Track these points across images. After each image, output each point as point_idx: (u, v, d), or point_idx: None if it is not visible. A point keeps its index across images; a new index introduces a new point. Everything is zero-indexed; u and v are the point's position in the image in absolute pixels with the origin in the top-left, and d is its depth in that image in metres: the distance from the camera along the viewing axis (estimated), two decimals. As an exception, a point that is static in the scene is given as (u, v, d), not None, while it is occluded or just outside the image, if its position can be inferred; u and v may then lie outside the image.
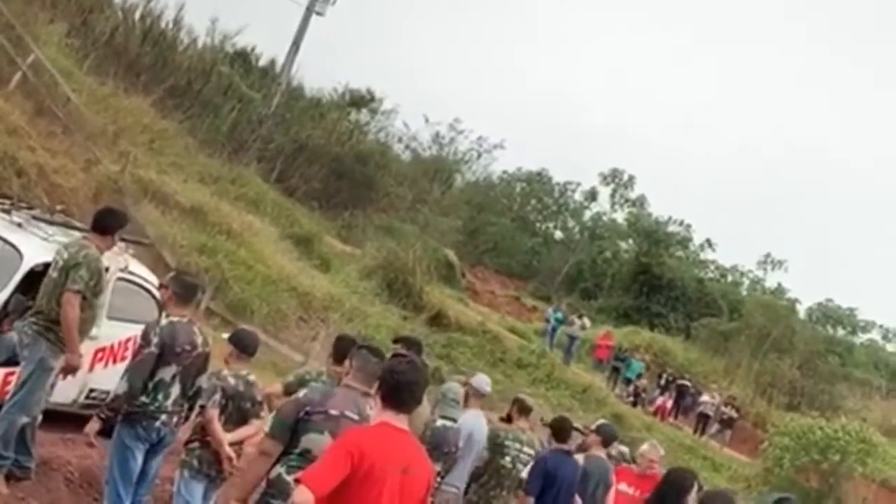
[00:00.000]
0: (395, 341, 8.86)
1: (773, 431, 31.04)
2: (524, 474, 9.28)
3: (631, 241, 55.04)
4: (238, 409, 7.20)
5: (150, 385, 6.99)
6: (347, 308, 25.10)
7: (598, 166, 56.89)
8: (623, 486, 9.72)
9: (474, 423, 9.28)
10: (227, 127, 32.18)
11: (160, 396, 7.04)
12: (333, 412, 5.35)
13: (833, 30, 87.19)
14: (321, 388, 5.95)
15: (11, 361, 8.93)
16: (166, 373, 7.03)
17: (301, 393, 5.73)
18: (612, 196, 56.29)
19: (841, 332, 53.89)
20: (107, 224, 8.00)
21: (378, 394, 4.64)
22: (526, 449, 9.60)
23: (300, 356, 21.08)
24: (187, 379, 7.17)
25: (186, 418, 7.39)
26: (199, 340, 7.28)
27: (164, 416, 7.08)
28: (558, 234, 57.79)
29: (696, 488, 6.57)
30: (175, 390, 7.10)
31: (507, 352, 29.62)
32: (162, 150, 26.30)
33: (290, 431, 5.38)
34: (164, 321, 7.22)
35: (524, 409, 9.82)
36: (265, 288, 23.10)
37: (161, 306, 7.57)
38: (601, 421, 11.20)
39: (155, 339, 6.99)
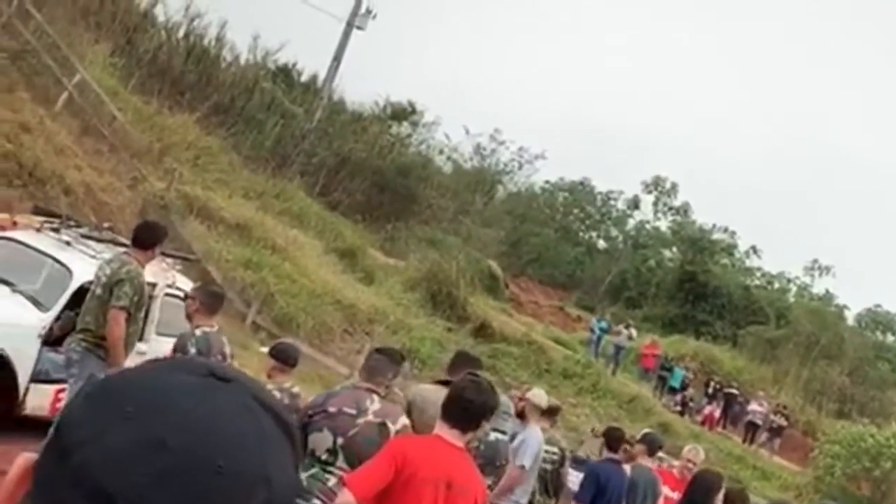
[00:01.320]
0: (458, 357, 8.67)
1: (824, 439, 30.69)
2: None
3: (675, 249, 54.70)
4: None
5: None
6: (392, 320, 25.19)
7: (641, 174, 56.73)
8: (665, 490, 9.71)
9: (538, 440, 9.20)
10: (271, 142, 32.42)
11: None
12: (332, 409, 5.43)
13: (879, 29, 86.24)
14: (327, 391, 6.07)
15: (52, 379, 9.11)
16: None
17: (309, 399, 5.86)
18: (655, 204, 56.05)
19: (891, 337, 53.15)
20: (147, 239, 8.09)
21: (441, 407, 4.68)
22: (549, 447, 9.65)
23: (346, 369, 21.19)
24: None
25: None
26: (228, 351, 7.36)
27: None
28: (601, 244, 57.56)
29: (723, 489, 6.61)
30: None
31: (552, 362, 29.54)
32: (206, 167, 26.56)
33: (302, 436, 5.46)
34: (198, 332, 7.25)
35: (552, 410, 9.83)
36: (310, 301, 23.24)
37: (188, 317, 7.56)
38: (646, 430, 11.18)
39: (192, 350, 7.05)
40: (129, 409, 0.97)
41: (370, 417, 5.36)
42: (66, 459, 0.95)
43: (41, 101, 21.24)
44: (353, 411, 5.40)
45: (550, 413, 9.84)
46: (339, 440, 5.31)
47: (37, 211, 12.82)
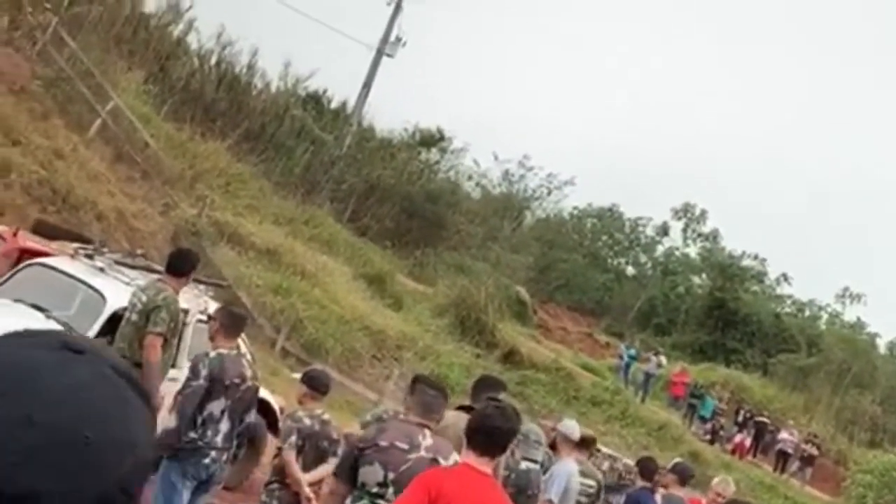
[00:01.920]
0: (479, 381, 8.77)
1: (856, 469, 30.38)
2: None
3: (704, 275, 54.45)
4: (315, 449, 7.15)
5: (200, 419, 6.93)
6: (420, 346, 25.20)
7: (670, 201, 56.60)
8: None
9: (567, 473, 8.98)
10: (301, 168, 32.62)
11: (209, 432, 6.97)
12: (383, 443, 5.41)
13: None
14: (378, 424, 6.04)
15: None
16: (215, 407, 6.97)
17: (360, 432, 5.82)
18: (685, 231, 55.89)
19: (923, 366, 52.58)
20: (181, 266, 8.14)
21: (465, 435, 4.68)
22: (586, 481, 9.50)
23: (374, 395, 21.21)
24: (236, 414, 7.11)
25: (235, 456, 7.35)
26: (248, 373, 7.25)
27: (213, 453, 7.02)
28: (630, 270, 57.40)
29: None
30: (224, 426, 7.04)
31: (580, 389, 29.43)
32: (237, 193, 26.76)
33: (352, 469, 5.43)
34: (212, 353, 7.14)
35: (586, 441, 9.70)
36: (339, 327, 23.31)
37: (211, 338, 7.54)
38: (677, 459, 11.10)
39: (204, 372, 6.94)
40: None
41: (422, 453, 5.34)
42: None
43: (75, 127, 21.50)
44: (406, 446, 5.38)
45: (586, 444, 9.65)
46: (391, 475, 5.28)
47: (39, 224, 12.97)
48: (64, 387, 1.01)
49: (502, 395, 6.60)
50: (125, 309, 8.60)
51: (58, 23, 22.54)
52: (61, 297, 9.89)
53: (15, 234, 11.42)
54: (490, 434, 4.59)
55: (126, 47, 27.35)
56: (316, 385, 7.33)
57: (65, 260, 10.42)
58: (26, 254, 11.18)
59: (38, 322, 9.32)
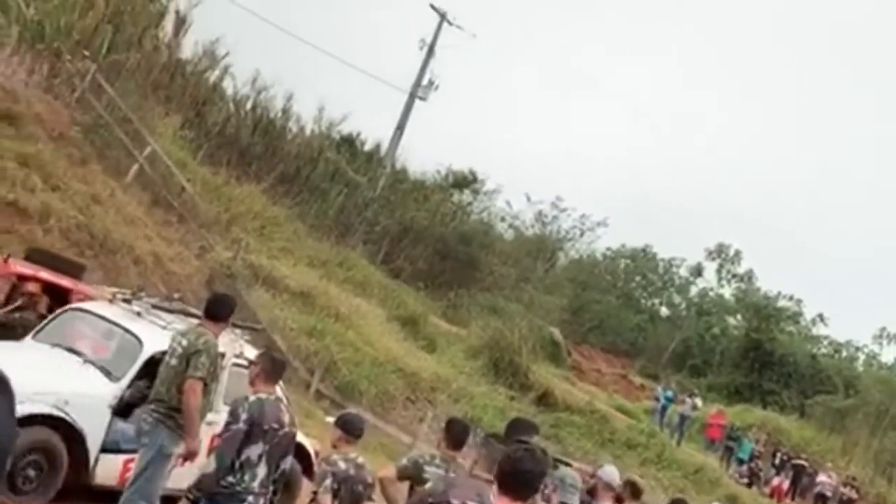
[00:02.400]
0: (512, 424, 8.76)
1: (896, 512, 29.90)
2: None
3: (740, 316, 54.10)
4: (350, 493, 7.09)
5: (238, 464, 6.95)
6: (454, 388, 25.16)
7: (703, 242, 56.40)
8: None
9: None
10: (335, 211, 32.82)
11: (247, 476, 6.99)
12: (455, 501, 5.39)
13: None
14: (446, 478, 5.98)
15: (121, 449, 9.23)
16: (253, 451, 6.99)
17: (428, 485, 5.75)
18: (719, 271, 55.64)
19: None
20: (220, 311, 8.24)
21: (495, 480, 4.69)
22: None
23: (408, 437, 21.19)
24: (273, 459, 7.13)
25: (271, 502, 7.35)
26: (287, 419, 7.27)
27: (250, 498, 7.03)
28: (664, 311, 57.13)
29: None
30: (262, 471, 7.05)
31: (615, 432, 29.21)
32: (272, 236, 26.96)
33: None
34: (252, 398, 7.16)
35: (636, 492, 9.56)
36: (373, 369, 23.34)
37: (251, 383, 7.58)
38: (715, 503, 10.98)
39: (244, 416, 6.97)
40: None
41: None
42: None
43: (113, 173, 21.82)
44: None
45: (634, 495, 9.39)
46: None
47: (32, 252, 13.02)
48: None
49: (534, 438, 6.59)
50: (162, 353, 8.70)
51: (96, 70, 22.93)
52: (99, 342, 10.03)
53: (6, 261, 11.64)
54: (521, 477, 4.61)
55: (163, 93, 27.77)
56: (350, 429, 7.33)
57: (102, 304, 10.57)
58: (22, 279, 11.51)
59: (74, 366, 9.45)
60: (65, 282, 11.75)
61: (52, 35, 22.38)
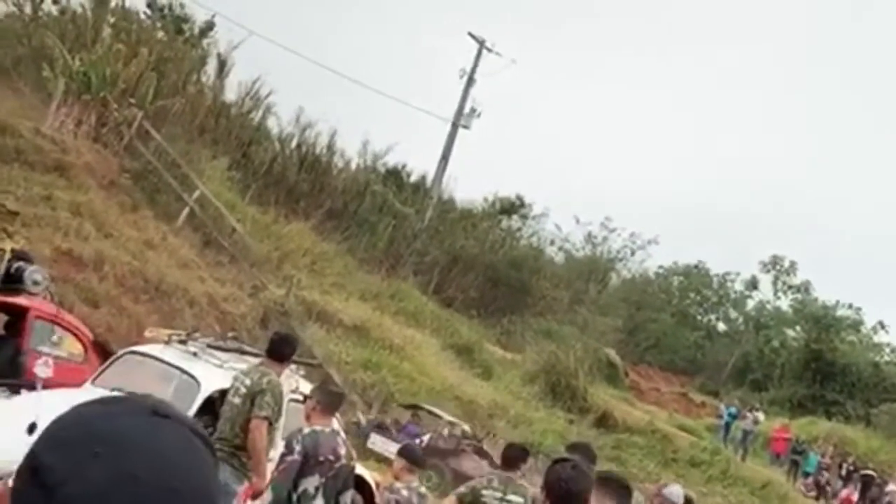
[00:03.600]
0: (570, 448, 8.64)
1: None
2: None
3: (798, 328, 53.39)
4: None
5: (295, 496, 6.94)
6: (512, 415, 25.07)
7: (756, 255, 55.84)
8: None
9: None
10: (384, 243, 32.95)
11: None
12: None
13: None
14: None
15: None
16: (310, 483, 6.98)
17: None
18: (775, 283, 55.04)
19: None
20: (282, 351, 8.26)
21: (546, 500, 4.67)
22: None
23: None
24: (331, 492, 7.11)
25: None
26: (343, 451, 7.25)
27: None
28: (721, 326, 56.58)
29: None
30: (319, 503, 7.05)
31: (678, 450, 28.90)
32: (323, 271, 27.12)
33: None
34: (306, 430, 7.18)
35: None
36: (430, 399, 23.30)
37: (307, 417, 7.57)
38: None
39: (297, 447, 6.98)
40: (97, 450, 1.18)
41: None
42: (51, 497, 1.16)
43: (163, 217, 22.10)
44: None
45: None
46: None
47: (17, 253, 12.75)
48: (158, 448, 1.21)
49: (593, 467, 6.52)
50: (219, 392, 8.75)
51: (143, 117, 23.28)
52: (157, 384, 10.11)
53: None
54: (571, 496, 4.61)
55: (209, 136, 28.12)
56: (413, 459, 7.34)
57: (159, 347, 10.68)
58: None
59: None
60: (21, 300, 11.49)
61: (98, 85, 22.78)
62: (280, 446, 9.27)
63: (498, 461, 7.34)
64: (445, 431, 20.12)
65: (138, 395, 1.34)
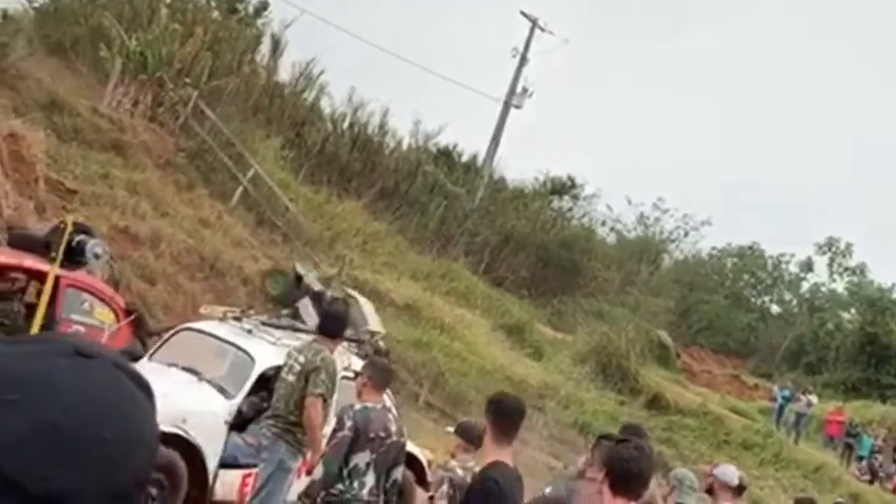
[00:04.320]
0: (623, 430, 8.61)
1: None
2: None
3: (854, 310, 52.68)
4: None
5: (346, 471, 6.99)
6: (563, 395, 25.05)
7: (811, 236, 55.24)
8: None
9: None
10: (435, 223, 32.98)
11: (356, 484, 7.02)
12: None
13: None
14: (569, 484, 5.97)
15: (239, 464, 9.39)
16: (361, 459, 7.03)
17: (547, 489, 5.76)
18: (830, 265, 54.39)
19: None
20: (335, 328, 8.35)
21: (606, 480, 4.68)
22: None
23: (518, 445, 21.13)
24: (382, 468, 7.15)
25: None
26: (394, 428, 7.29)
27: None
28: (775, 309, 56.05)
29: None
30: (370, 479, 7.08)
31: (730, 433, 28.70)
32: (375, 251, 27.24)
33: None
34: (357, 406, 7.22)
35: (740, 487, 9.35)
36: (480, 379, 23.35)
37: (358, 394, 7.61)
38: (838, 499, 10.72)
39: (349, 423, 7.03)
40: (11, 397, 1.07)
41: None
42: None
43: (218, 196, 22.33)
44: None
45: (739, 490, 9.30)
46: None
47: (13, 238, 12.44)
48: (81, 391, 1.10)
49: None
50: (273, 368, 8.86)
51: (198, 97, 23.51)
52: (212, 360, 10.27)
53: None
54: (634, 476, 4.62)
55: (263, 116, 28.31)
56: (470, 437, 7.34)
57: (214, 323, 10.82)
58: (4, 270, 11.32)
59: (191, 385, 9.70)
60: (46, 267, 11.17)
61: (154, 65, 23.02)
62: (330, 421, 9.41)
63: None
64: None
65: (60, 335, 1.22)
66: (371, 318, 21.14)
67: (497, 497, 5.38)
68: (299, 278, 20.70)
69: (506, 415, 5.53)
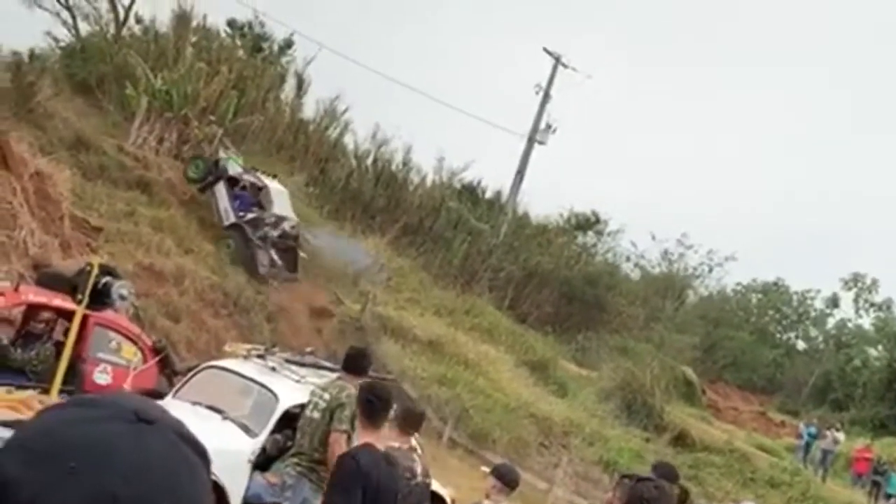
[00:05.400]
0: (652, 469, 8.53)
1: None
2: None
3: (881, 346, 52.22)
4: None
5: None
6: (588, 432, 24.87)
7: (837, 272, 54.89)
8: None
9: None
10: (459, 259, 32.99)
11: None
12: None
13: None
14: None
15: (268, 503, 9.33)
16: None
17: None
18: (856, 301, 53.94)
19: None
20: (359, 365, 8.33)
21: None
22: None
23: (544, 483, 20.99)
24: None
25: None
26: (419, 469, 7.27)
27: None
28: (801, 345, 55.64)
29: None
30: None
31: (757, 471, 28.40)
32: (399, 287, 27.25)
33: None
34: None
35: None
36: (505, 416, 23.24)
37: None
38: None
39: None
40: (72, 465, 1.05)
41: None
42: None
43: (242, 233, 22.36)
44: None
45: None
46: None
47: (41, 277, 12.52)
48: (141, 459, 1.08)
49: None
50: (297, 406, 8.83)
51: (223, 134, 23.66)
52: (236, 398, 10.26)
53: (16, 289, 11.48)
54: None
55: (287, 153, 28.51)
56: (507, 480, 7.30)
57: (238, 361, 10.82)
58: (34, 308, 11.33)
59: (214, 424, 9.67)
60: (74, 307, 11.10)
61: (179, 103, 23.22)
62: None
63: None
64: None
65: (120, 396, 1.21)
66: (282, 204, 21.71)
67: (352, 473, 5.70)
68: (217, 163, 21.22)
69: (372, 402, 5.90)
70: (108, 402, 1.16)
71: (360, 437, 5.77)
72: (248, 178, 22.02)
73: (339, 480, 5.83)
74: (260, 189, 22.08)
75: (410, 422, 7.53)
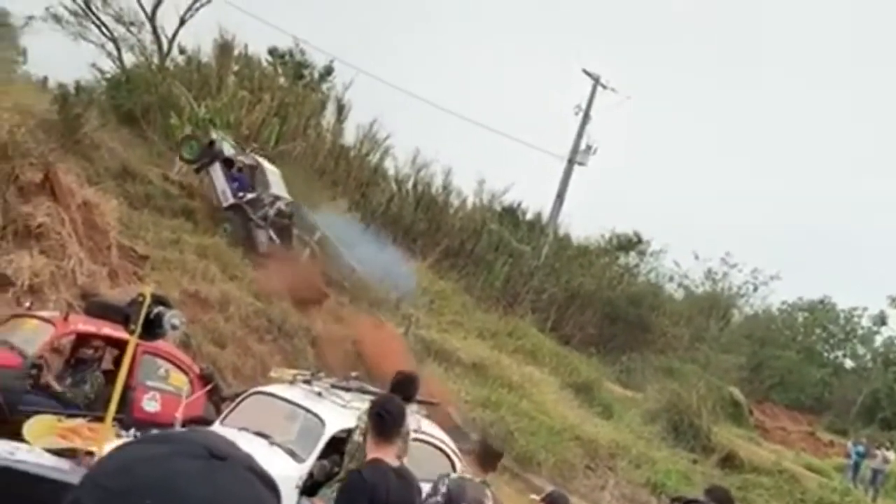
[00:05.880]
0: (706, 493, 8.33)
1: None
2: None
3: (930, 364, 51.52)
4: None
5: None
6: (634, 454, 24.70)
7: (885, 289, 54.16)
8: None
9: None
10: (501, 281, 33.00)
11: None
12: None
13: None
14: None
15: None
16: None
17: None
18: (903, 318, 53.21)
19: None
20: (406, 389, 8.37)
21: None
22: None
23: (591, 507, 20.87)
24: None
25: None
26: None
27: None
28: (849, 363, 54.94)
29: None
30: None
31: (806, 492, 28.06)
32: (441, 310, 27.27)
33: None
34: (454, 475, 7.24)
35: None
36: (550, 438, 23.13)
37: (453, 465, 7.59)
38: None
39: (443, 490, 6.98)
40: (147, 502, 1.07)
41: None
42: None
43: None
44: None
45: None
46: None
47: (90, 306, 12.67)
48: (211, 496, 1.10)
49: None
50: (343, 431, 8.87)
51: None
52: (282, 424, 10.32)
53: (66, 319, 11.71)
54: None
55: (329, 178, 28.69)
56: None
57: (284, 386, 10.89)
58: (83, 337, 11.56)
59: (262, 449, 9.72)
60: (124, 335, 11.12)
61: (222, 131, 23.48)
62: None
63: None
64: None
65: (193, 433, 1.22)
66: (276, 183, 21.94)
67: (358, 487, 5.64)
68: (212, 143, 21.39)
69: (383, 416, 5.78)
70: (180, 438, 1.18)
71: (370, 453, 5.72)
72: (243, 158, 22.38)
73: (345, 496, 5.86)
74: (254, 168, 22.40)
75: (489, 459, 7.48)
